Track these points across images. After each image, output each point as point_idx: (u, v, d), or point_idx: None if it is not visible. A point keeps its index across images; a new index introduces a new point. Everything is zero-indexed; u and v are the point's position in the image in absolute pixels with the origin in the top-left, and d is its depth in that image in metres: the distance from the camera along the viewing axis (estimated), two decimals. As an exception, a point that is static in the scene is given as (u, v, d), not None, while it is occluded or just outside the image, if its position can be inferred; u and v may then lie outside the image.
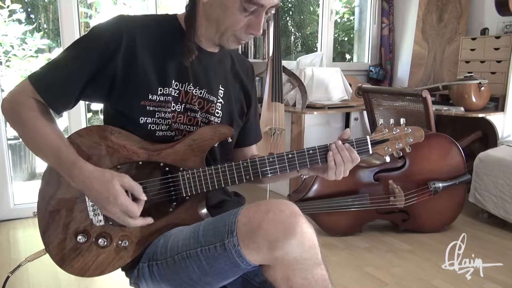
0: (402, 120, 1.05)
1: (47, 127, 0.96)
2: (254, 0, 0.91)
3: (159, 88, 1.01)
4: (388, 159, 1.07)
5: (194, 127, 1.06)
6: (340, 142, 1.02)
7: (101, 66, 0.97)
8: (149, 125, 1.01)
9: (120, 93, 0.99)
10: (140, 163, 0.99)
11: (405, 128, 1.04)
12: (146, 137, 1.02)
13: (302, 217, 0.85)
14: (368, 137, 1.03)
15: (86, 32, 1.00)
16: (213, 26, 0.99)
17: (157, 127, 1.02)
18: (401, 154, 1.06)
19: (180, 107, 1.04)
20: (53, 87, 0.97)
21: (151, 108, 1.00)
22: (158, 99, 1.00)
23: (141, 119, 1.00)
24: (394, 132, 1.04)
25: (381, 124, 1.06)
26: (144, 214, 0.97)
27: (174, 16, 1.05)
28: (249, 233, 0.83)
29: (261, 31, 0.97)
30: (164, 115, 1.02)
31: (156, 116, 1.01)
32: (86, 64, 0.96)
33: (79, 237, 0.97)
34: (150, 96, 1.00)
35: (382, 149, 1.04)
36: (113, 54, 0.96)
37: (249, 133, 1.22)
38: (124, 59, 0.97)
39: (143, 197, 0.94)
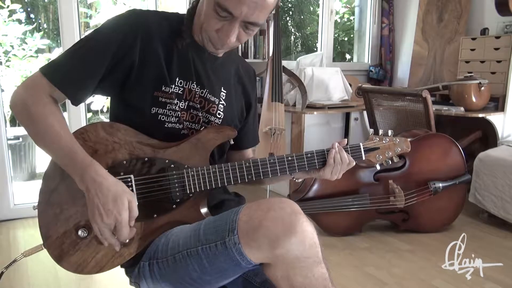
0: (390, 132, 1.14)
1: (58, 125, 0.95)
2: (223, 6, 0.91)
3: (169, 82, 1.03)
4: (378, 167, 1.17)
5: (196, 125, 1.08)
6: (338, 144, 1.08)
7: (119, 58, 0.98)
8: (159, 116, 1.03)
9: (134, 84, 1.01)
10: (146, 159, 1.00)
11: (394, 139, 1.13)
12: (154, 128, 1.03)
13: (302, 215, 0.85)
14: (361, 144, 1.11)
15: (101, 25, 1.01)
16: (199, 22, 1.00)
17: (167, 119, 1.04)
18: (390, 163, 1.14)
19: (183, 104, 1.06)
20: (71, 78, 0.97)
21: (163, 100, 1.02)
22: (170, 91, 1.03)
23: (153, 109, 1.02)
24: (384, 142, 1.13)
25: (371, 133, 1.15)
26: (147, 210, 0.98)
27: (183, 16, 1.07)
28: (250, 231, 0.84)
29: (230, 40, 0.97)
30: (175, 107, 1.04)
31: (167, 107, 1.03)
32: (104, 56, 0.97)
33: (80, 231, 0.97)
34: (163, 88, 1.02)
35: (374, 157, 1.12)
36: (131, 46, 0.98)
37: (246, 136, 1.23)
38: (141, 51, 0.99)
39: (131, 224, 0.94)
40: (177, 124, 1.05)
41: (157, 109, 1.02)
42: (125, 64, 0.99)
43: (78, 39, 2.60)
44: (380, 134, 1.13)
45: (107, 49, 0.97)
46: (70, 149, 0.94)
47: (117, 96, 1.06)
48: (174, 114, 1.04)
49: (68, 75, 0.97)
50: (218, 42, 0.99)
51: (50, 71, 0.96)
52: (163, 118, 1.03)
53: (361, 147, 1.11)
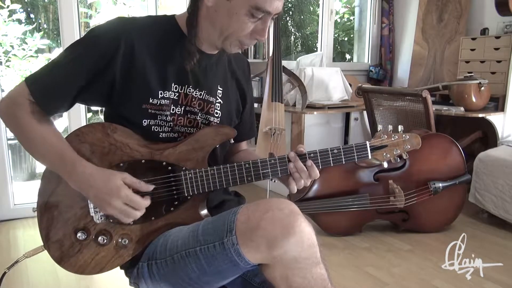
0: (400, 127, 1.08)
1: (44, 128, 0.97)
2: (263, 8, 0.92)
3: (159, 91, 1.01)
4: (386, 164, 1.10)
5: (195, 129, 1.07)
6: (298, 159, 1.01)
7: (98, 71, 0.96)
8: (152, 127, 1.02)
9: (120, 98, 1.00)
10: (143, 161, 1.00)
11: (403, 135, 1.07)
12: (150, 138, 1.02)
13: (301, 216, 0.85)
14: (367, 142, 1.05)
15: (84, 34, 1.00)
16: (216, 30, 0.98)
17: (160, 129, 1.03)
18: (398, 160, 1.09)
19: (180, 110, 1.04)
20: (47, 90, 0.97)
21: (153, 111, 1.01)
22: (159, 102, 1.01)
23: (144, 122, 1.01)
24: (392, 139, 1.07)
25: (379, 130, 1.08)
26: (145, 212, 0.97)
27: (172, 17, 1.05)
28: (248, 232, 0.83)
29: (266, 36, 0.98)
30: (166, 117, 1.02)
31: (158, 118, 1.02)
32: (82, 69, 0.96)
33: (79, 234, 0.97)
34: (151, 100, 1.00)
35: (381, 155, 1.07)
36: (111, 59, 0.96)
37: (242, 129, 1.21)
38: (123, 64, 0.97)
39: (148, 188, 0.96)
40: (171, 133, 1.04)
41: (148, 121, 1.01)
42: (105, 78, 0.97)
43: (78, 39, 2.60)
44: (389, 130, 1.08)
45: (85, 62, 0.96)
46: (59, 148, 0.95)
47: (108, 108, 1.05)
48: (166, 124, 1.03)
49: (44, 88, 0.97)
50: (251, 42, 1.00)
51: (31, 81, 0.97)
52: (156, 129, 1.02)
53: (368, 146, 1.04)
